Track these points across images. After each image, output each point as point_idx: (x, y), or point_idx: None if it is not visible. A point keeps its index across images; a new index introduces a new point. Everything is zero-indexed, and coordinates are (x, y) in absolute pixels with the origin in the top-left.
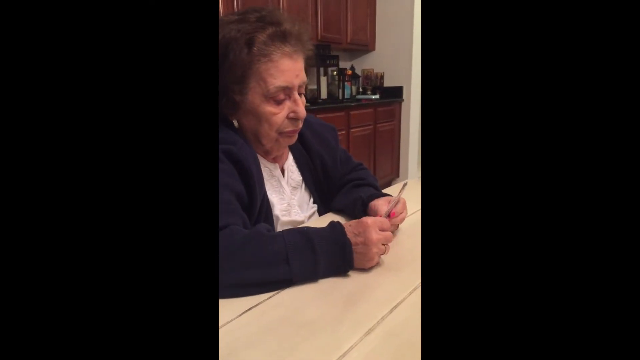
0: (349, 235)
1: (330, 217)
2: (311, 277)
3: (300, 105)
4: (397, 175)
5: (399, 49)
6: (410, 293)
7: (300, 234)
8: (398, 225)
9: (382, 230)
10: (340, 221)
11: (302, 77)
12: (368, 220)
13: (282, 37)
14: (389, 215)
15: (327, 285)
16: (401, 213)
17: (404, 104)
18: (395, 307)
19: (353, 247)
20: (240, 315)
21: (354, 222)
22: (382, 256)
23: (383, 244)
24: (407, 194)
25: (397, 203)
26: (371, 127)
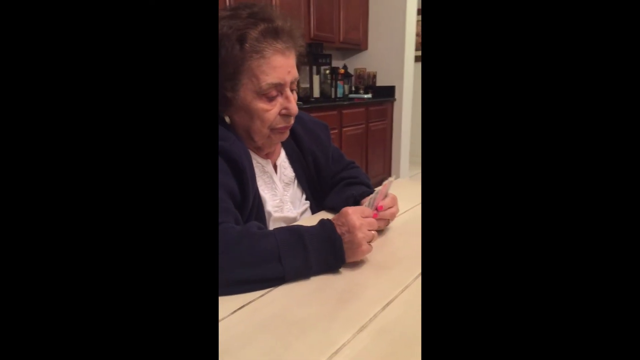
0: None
1: (322, 216)
2: (303, 274)
3: (292, 102)
4: (389, 174)
5: (392, 49)
6: (402, 291)
7: (291, 232)
8: (389, 221)
9: (365, 217)
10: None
11: (294, 73)
12: (348, 209)
13: (274, 34)
14: (376, 209)
15: (320, 283)
16: (390, 207)
17: (395, 104)
18: (387, 304)
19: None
20: (233, 313)
21: (336, 215)
22: (373, 255)
23: (369, 230)
24: (399, 192)
25: (385, 196)
26: (363, 126)
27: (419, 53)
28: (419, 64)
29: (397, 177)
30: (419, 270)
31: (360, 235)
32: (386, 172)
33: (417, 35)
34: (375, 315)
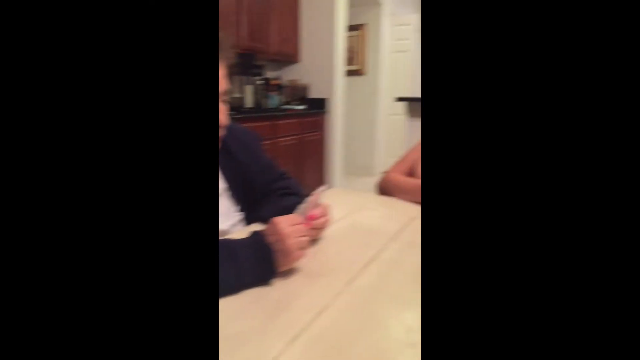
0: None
1: (255, 228)
2: (236, 288)
3: (222, 113)
4: (324, 185)
5: (323, 62)
6: (335, 298)
7: (222, 245)
8: (321, 230)
9: (295, 224)
10: None
11: (224, 84)
12: (277, 218)
13: None
14: (308, 218)
15: (253, 295)
16: (322, 216)
17: (328, 116)
18: (320, 312)
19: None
20: None
21: (266, 225)
22: (306, 263)
23: (300, 237)
24: (332, 201)
25: (316, 206)
26: (297, 137)
27: (348, 68)
28: (348, 78)
29: (331, 187)
30: (351, 277)
31: (290, 242)
32: (320, 182)
33: (346, 50)
34: (308, 324)
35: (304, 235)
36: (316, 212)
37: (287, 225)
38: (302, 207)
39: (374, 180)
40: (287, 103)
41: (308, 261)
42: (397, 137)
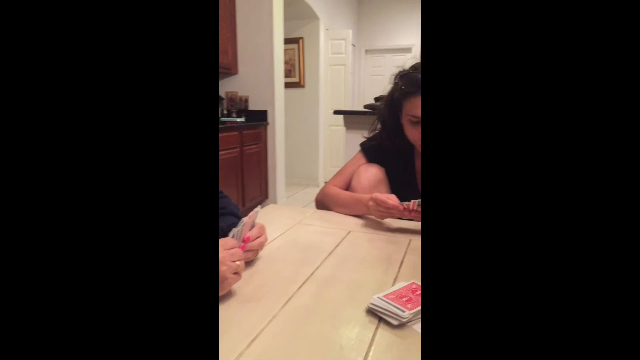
0: None
1: None
2: None
3: None
4: (267, 197)
5: (262, 74)
6: (269, 322)
7: None
8: (257, 251)
9: (228, 248)
10: None
11: None
12: None
13: None
14: (244, 240)
15: None
16: (258, 237)
17: (269, 127)
18: (254, 339)
19: None
20: None
21: None
22: (241, 287)
23: (234, 261)
24: (270, 219)
25: (251, 227)
26: (238, 149)
27: (287, 80)
28: (288, 90)
29: (273, 199)
30: (287, 298)
31: (223, 268)
32: (263, 195)
33: (285, 63)
34: (241, 353)
35: (238, 259)
36: (252, 233)
37: (220, 250)
38: (237, 229)
39: (318, 190)
40: (227, 115)
41: (243, 285)
42: (340, 147)
